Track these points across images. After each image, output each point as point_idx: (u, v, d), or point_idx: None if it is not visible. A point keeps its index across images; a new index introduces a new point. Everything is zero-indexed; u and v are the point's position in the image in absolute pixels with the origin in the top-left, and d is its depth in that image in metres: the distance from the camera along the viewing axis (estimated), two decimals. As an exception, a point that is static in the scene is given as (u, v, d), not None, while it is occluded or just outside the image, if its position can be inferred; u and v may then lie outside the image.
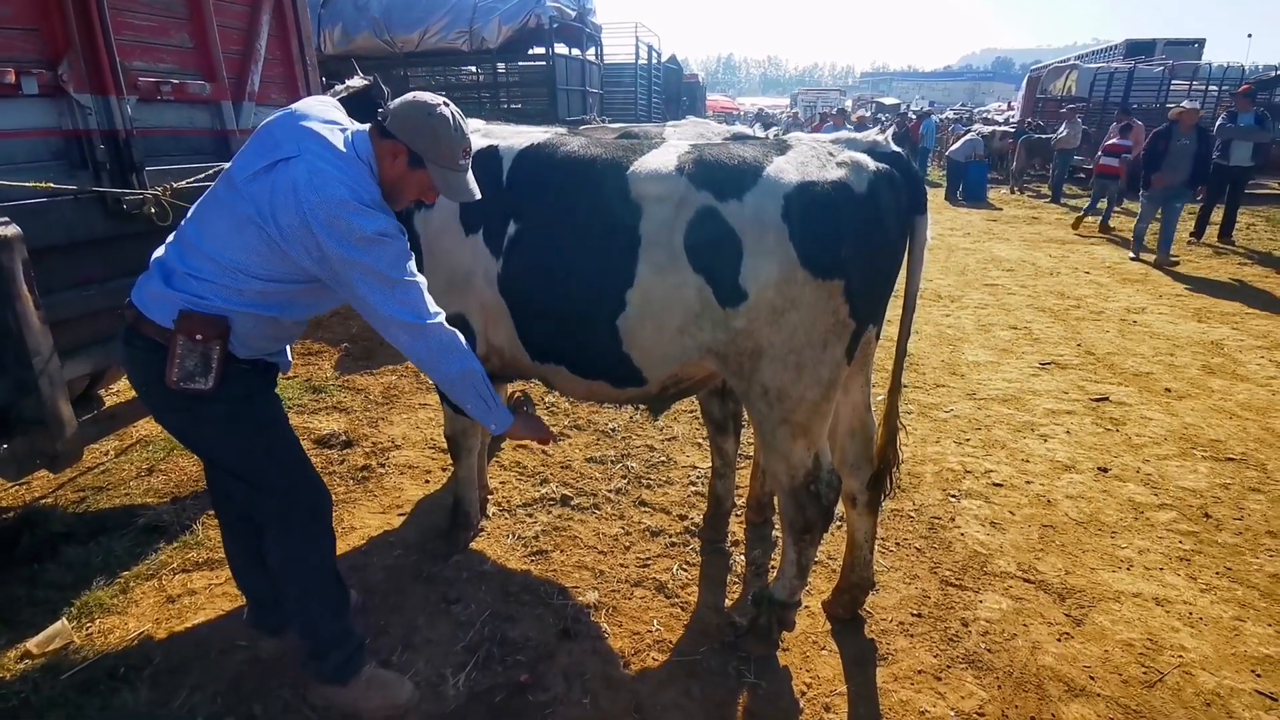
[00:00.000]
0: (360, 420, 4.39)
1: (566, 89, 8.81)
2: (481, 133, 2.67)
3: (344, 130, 1.97)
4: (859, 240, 2.06)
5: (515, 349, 2.58)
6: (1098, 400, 4.83)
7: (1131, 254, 9.41)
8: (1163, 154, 8.74)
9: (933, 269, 9.02)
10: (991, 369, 5.48)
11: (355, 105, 3.01)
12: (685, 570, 3.03)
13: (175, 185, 2.89)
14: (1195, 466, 3.90)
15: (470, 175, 2.02)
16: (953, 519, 3.44)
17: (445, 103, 1.95)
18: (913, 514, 3.48)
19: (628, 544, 3.22)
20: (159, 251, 2.00)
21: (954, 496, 3.64)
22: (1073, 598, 2.89)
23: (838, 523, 3.36)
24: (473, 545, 3.14)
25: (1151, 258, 9.08)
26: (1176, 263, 8.86)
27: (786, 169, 2.09)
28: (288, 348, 2.23)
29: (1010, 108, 30.58)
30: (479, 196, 2.06)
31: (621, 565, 3.06)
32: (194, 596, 2.77)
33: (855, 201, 2.05)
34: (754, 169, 2.11)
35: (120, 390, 4.00)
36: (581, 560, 3.07)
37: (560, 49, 9.86)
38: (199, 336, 1.85)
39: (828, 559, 3.13)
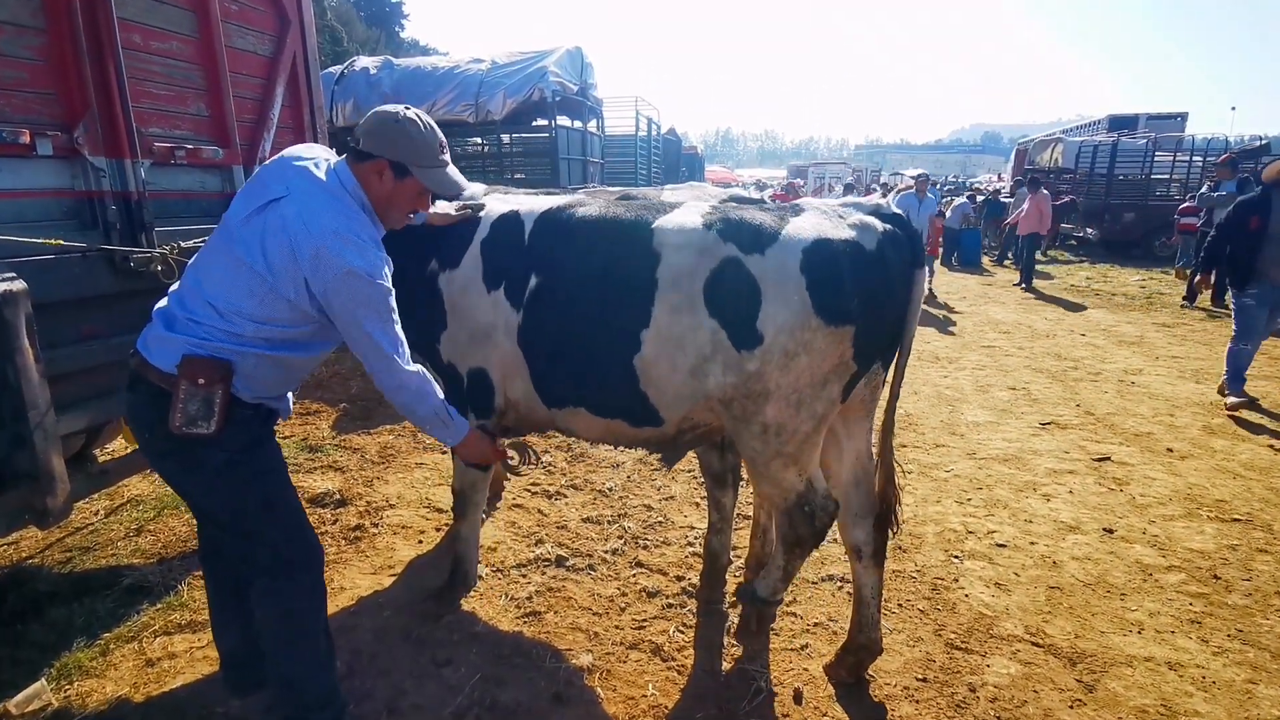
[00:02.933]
0: (355, 479, 4.35)
1: (568, 159, 9.10)
2: (499, 196, 2.86)
3: (327, 162, 2.02)
4: (868, 292, 2.21)
5: (531, 400, 2.68)
6: (1099, 460, 4.79)
7: (1231, 395, 5.74)
8: (1260, 236, 5.52)
9: (930, 330, 9.09)
10: (991, 429, 5.46)
11: None
12: (682, 632, 2.95)
13: (183, 244, 2.96)
14: (1201, 527, 3.84)
15: (452, 168, 2.10)
16: (956, 580, 3.37)
17: (407, 108, 2.02)
18: (915, 575, 3.41)
19: (623, 605, 3.14)
20: (161, 301, 2.04)
21: (957, 557, 3.57)
22: (1084, 662, 2.79)
23: (838, 583, 3.30)
24: (465, 606, 3.06)
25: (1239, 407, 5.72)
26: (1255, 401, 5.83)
27: (804, 228, 2.26)
28: (289, 395, 2.23)
29: (1000, 179, 31.46)
30: (467, 186, 2.14)
31: (617, 627, 2.97)
32: (174, 660, 2.69)
33: (866, 257, 2.22)
34: (775, 227, 2.28)
35: (113, 449, 3.98)
36: (576, 622, 2.99)
37: (563, 121, 10.24)
38: (201, 381, 1.87)
39: (828, 620, 3.05)
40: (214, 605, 2.38)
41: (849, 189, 20.01)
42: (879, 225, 2.30)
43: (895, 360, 2.47)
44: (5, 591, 2.98)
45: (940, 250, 12.59)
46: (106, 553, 3.41)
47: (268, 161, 2.05)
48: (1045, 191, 13.41)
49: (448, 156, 2.07)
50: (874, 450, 2.62)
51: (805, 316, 2.17)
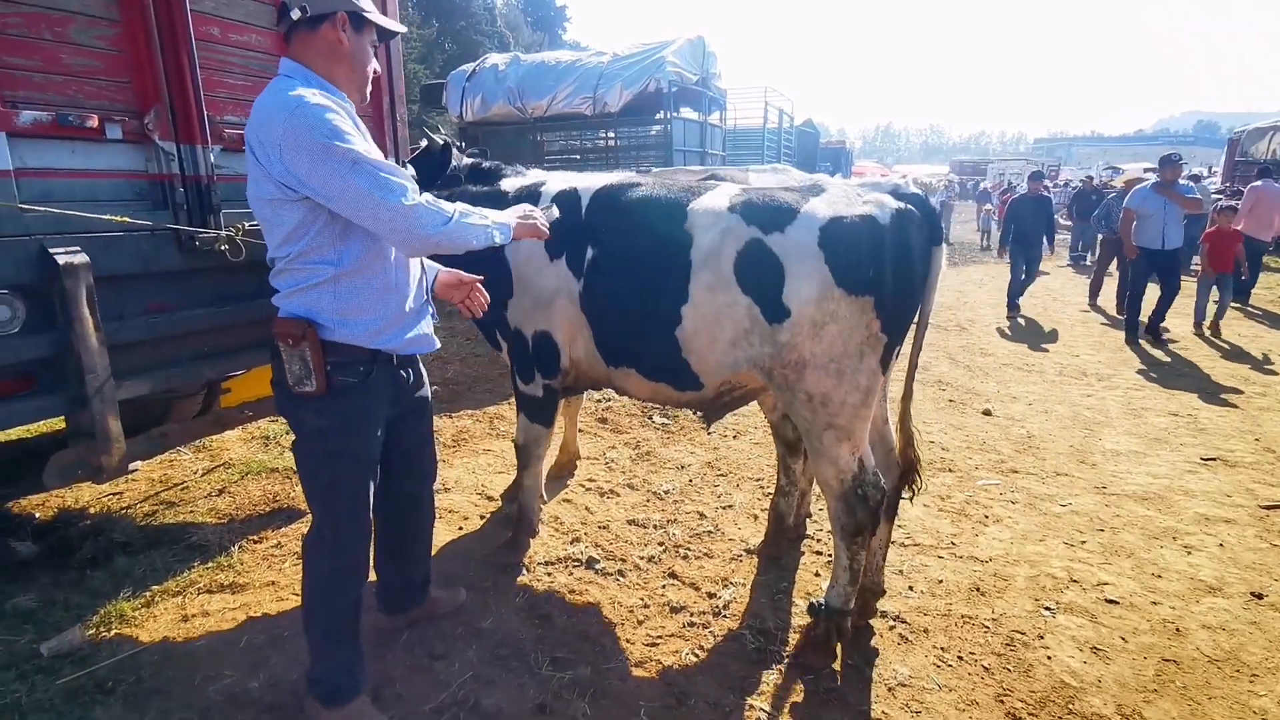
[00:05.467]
0: (422, 461, 4.45)
1: (684, 150, 8.90)
2: (561, 178, 3.11)
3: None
4: (885, 263, 2.32)
5: (592, 358, 2.95)
6: (1269, 508, 3.90)
7: None
8: None
9: (1082, 344, 7.98)
10: (1134, 460, 4.63)
11: (422, 167, 3.26)
12: (695, 655, 2.70)
13: (247, 225, 3.11)
14: (1393, 604, 2.99)
15: None
16: (1041, 637, 2.83)
17: None
18: (989, 623, 2.91)
19: (642, 618, 2.93)
20: None
21: (1048, 610, 3.01)
22: (1185, 761, 2.23)
23: (891, 621, 2.91)
24: (476, 599, 2.99)
25: None
26: None
27: (821, 206, 2.42)
28: (421, 327, 2.26)
29: (1211, 173, 27.28)
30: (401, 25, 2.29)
31: (628, 641, 2.78)
32: (206, 618, 2.84)
33: (880, 231, 2.34)
34: (794, 206, 2.43)
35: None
36: (586, 630, 2.82)
37: (688, 113, 10.05)
38: (290, 340, 1.99)
39: (864, 664, 2.66)
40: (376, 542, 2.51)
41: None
42: (893, 202, 2.40)
43: (915, 333, 2.61)
44: (84, 539, 3.30)
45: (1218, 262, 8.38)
46: (186, 510, 3.71)
47: None
48: (1276, 185, 9.96)
49: None
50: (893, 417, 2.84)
51: (827, 288, 2.33)
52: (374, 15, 2.08)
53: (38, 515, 3.63)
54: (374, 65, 2.14)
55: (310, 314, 2.01)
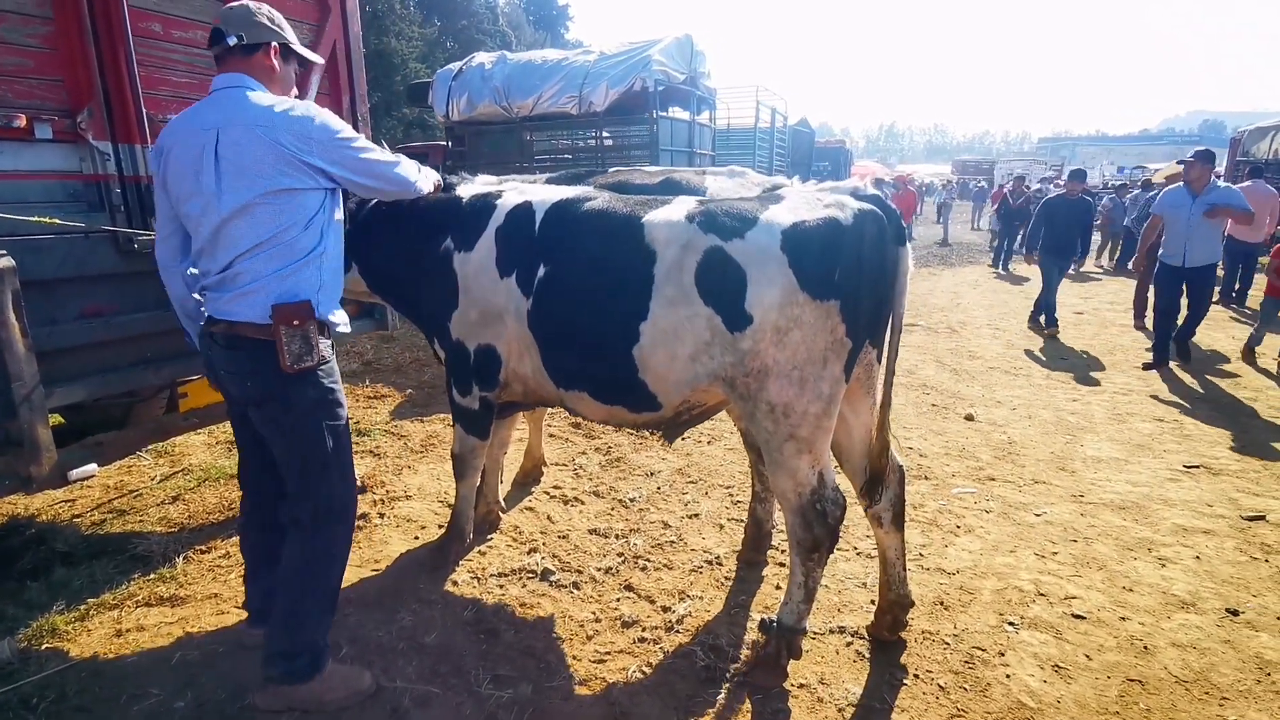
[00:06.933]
0: (386, 467, 4.38)
1: (671, 150, 8.80)
2: (517, 190, 3.00)
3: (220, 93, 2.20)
4: (850, 264, 2.28)
5: (540, 378, 2.86)
6: (1251, 519, 3.79)
7: None
8: None
9: (1072, 348, 7.87)
10: (1114, 468, 4.53)
11: None
12: (642, 673, 2.60)
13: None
14: (1370, 623, 2.88)
15: None
16: (1002, 654, 2.74)
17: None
18: (949, 639, 2.81)
19: (592, 632, 2.84)
20: (207, 283, 2.22)
21: (1012, 625, 2.92)
22: (1143, 789, 2.13)
23: (848, 638, 2.81)
24: (426, 612, 2.91)
25: None
26: None
27: (782, 211, 2.37)
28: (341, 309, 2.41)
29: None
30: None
31: (574, 657, 2.69)
32: (141, 633, 2.75)
33: (844, 232, 2.29)
34: (754, 213, 2.38)
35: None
36: (532, 646, 2.73)
37: (679, 113, 9.93)
38: (295, 322, 2.13)
39: (819, 683, 2.57)
40: (254, 550, 2.60)
41: None
42: (855, 204, 2.36)
43: (888, 340, 2.50)
44: (25, 549, 3.22)
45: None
46: (135, 518, 3.62)
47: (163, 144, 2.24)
48: (1268, 185, 9.73)
49: None
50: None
51: (791, 292, 2.26)
52: (298, 48, 2.36)
53: (-15, 523, 3.56)
54: (295, 90, 2.42)
55: (304, 295, 2.17)
